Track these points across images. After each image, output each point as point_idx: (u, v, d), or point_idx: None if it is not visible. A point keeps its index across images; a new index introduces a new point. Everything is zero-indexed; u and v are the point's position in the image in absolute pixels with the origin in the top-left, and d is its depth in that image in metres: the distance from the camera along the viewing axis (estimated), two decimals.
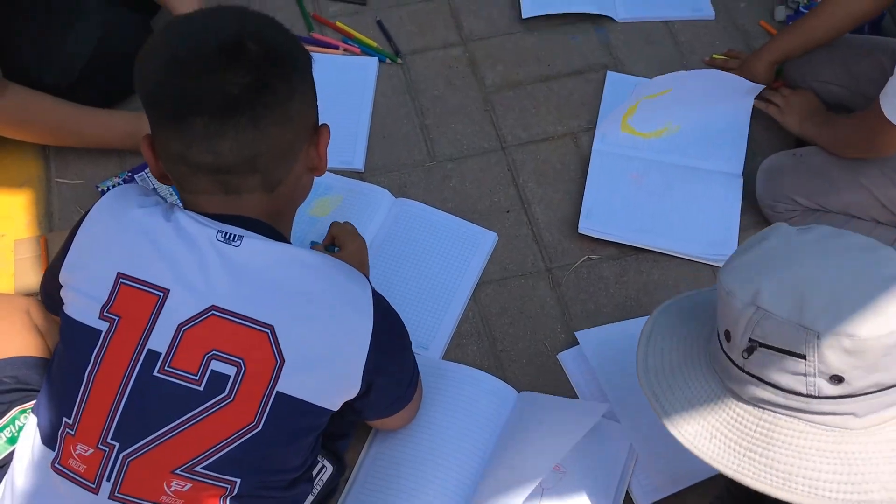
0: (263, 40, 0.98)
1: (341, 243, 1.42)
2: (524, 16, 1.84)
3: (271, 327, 0.97)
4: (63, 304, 1.02)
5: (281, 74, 0.98)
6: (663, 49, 1.88)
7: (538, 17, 1.91)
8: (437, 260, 1.57)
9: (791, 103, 1.66)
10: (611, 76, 1.83)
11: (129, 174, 1.64)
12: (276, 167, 1.02)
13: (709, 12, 1.93)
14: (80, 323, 0.98)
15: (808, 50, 1.67)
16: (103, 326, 0.97)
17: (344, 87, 1.79)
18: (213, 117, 0.96)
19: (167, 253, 0.98)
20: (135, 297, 0.97)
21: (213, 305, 0.97)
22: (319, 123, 1.09)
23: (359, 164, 1.70)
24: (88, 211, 1.04)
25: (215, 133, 0.96)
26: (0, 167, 1.68)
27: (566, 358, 1.47)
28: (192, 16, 1.03)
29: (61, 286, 1.02)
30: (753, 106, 1.71)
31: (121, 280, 0.98)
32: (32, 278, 1.54)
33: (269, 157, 1.00)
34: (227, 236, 0.99)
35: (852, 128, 1.50)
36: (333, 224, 1.45)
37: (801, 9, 1.90)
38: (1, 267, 1.56)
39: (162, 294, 0.97)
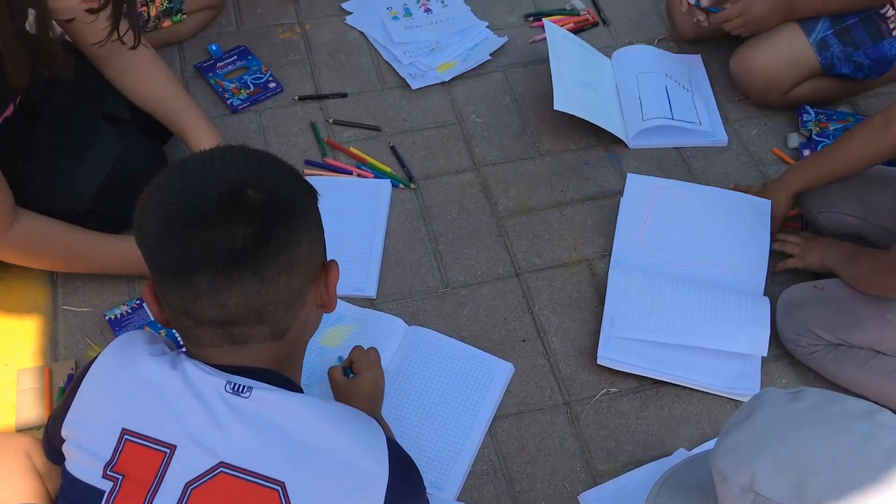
0: (265, 186, 0.96)
1: (358, 369, 1.38)
2: (556, 107, 1.83)
3: (282, 484, 0.92)
4: (65, 458, 0.97)
5: (284, 221, 0.96)
6: (676, 176, 1.87)
7: (551, 142, 1.92)
8: (452, 392, 1.52)
9: (810, 247, 1.65)
10: (631, 178, 1.81)
11: (138, 301, 1.62)
12: (285, 315, 0.99)
13: (721, 138, 1.94)
14: (82, 482, 0.93)
15: (829, 182, 1.66)
16: (107, 486, 0.92)
17: (357, 210, 1.78)
18: (216, 273, 0.92)
19: (174, 406, 0.94)
20: (140, 454, 0.92)
21: (221, 462, 0.92)
22: (328, 259, 1.06)
23: (371, 291, 1.67)
24: (94, 359, 1.01)
25: (220, 288, 0.93)
26: (6, 291, 1.66)
27: (588, 499, 1.41)
28: (192, 163, 1.00)
29: (64, 440, 0.98)
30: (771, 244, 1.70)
31: (125, 437, 0.93)
32: (34, 411, 1.49)
33: (276, 306, 0.97)
34: (236, 387, 0.95)
35: (875, 266, 1.47)
36: (356, 348, 1.41)
37: (814, 136, 1.91)
38: (3, 398, 1.52)
39: (168, 451, 0.92)
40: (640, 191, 1.78)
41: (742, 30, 1.91)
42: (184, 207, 0.95)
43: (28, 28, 1.31)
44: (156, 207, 0.97)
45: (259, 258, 0.93)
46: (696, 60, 2.07)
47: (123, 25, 1.44)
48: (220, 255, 0.92)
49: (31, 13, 1.29)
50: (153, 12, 1.95)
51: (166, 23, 1.99)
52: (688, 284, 1.62)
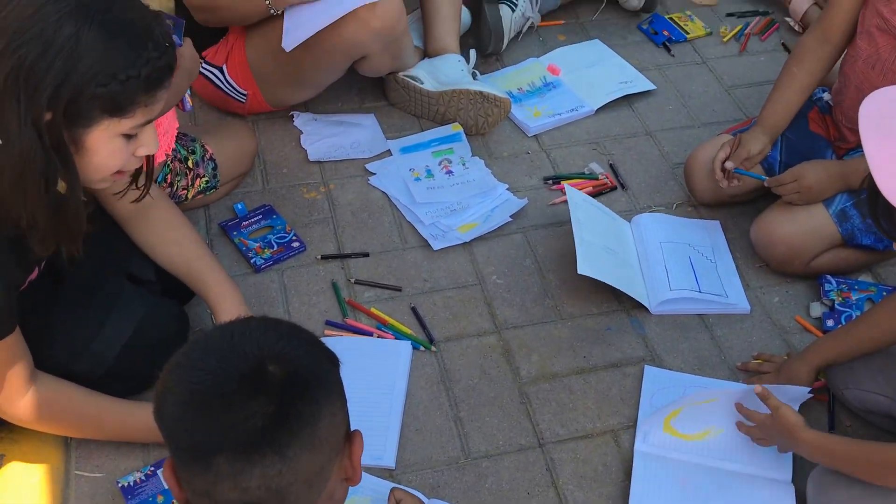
0: (285, 359, 0.95)
1: None
2: (580, 272, 1.82)
3: None
4: None
5: (305, 397, 0.94)
6: (700, 343, 1.86)
7: (573, 306, 1.92)
8: None
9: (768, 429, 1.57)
10: (648, 371, 1.80)
11: (152, 468, 1.58)
12: (308, 493, 0.96)
13: (744, 306, 1.93)
14: None
15: (854, 357, 1.65)
16: None
17: (377, 373, 1.76)
18: (237, 454, 0.91)
19: None
20: None
21: None
22: (351, 429, 1.04)
23: (390, 460, 1.63)
24: None
25: (241, 471, 0.91)
26: (18, 453, 1.62)
27: None
28: (213, 339, 0.99)
29: None
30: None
31: None
32: None
33: (299, 485, 0.94)
34: None
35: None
36: (395, 489, 1.38)
37: (837, 306, 1.90)
38: None
39: None
40: (659, 386, 1.76)
41: (796, 197, 1.90)
42: (204, 388, 0.94)
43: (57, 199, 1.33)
44: (176, 387, 0.96)
45: (280, 437, 0.91)
46: (715, 227, 2.09)
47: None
48: (240, 436, 0.91)
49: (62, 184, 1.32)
50: (192, 193, 1.99)
51: (199, 197, 2.03)
52: (714, 472, 1.59)
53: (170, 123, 1.87)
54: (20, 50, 1.21)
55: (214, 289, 1.69)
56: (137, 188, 1.49)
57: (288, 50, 2.03)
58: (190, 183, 1.99)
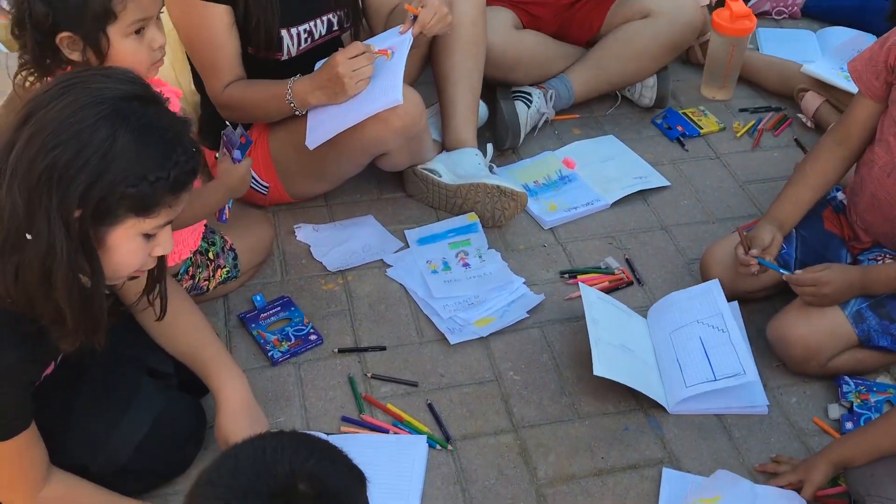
0: (315, 478, 0.96)
1: None
2: (595, 373, 1.82)
3: None
4: None
5: None
6: (718, 444, 1.85)
7: (590, 404, 1.91)
8: None
9: None
10: (667, 473, 1.78)
11: None
12: None
13: (762, 406, 1.92)
14: None
15: (872, 459, 1.63)
16: None
17: (392, 472, 1.75)
18: None
19: None
20: None
21: None
22: None
23: None
24: None
25: None
26: None
27: None
28: (244, 455, 0.99)
29: None
30: None
31: None
32: None
33: None
34: None
35: None
36: None
37: (855, 408, 1.89)
38: None
39: None
40: (678, 490, 1.75)
41: (811, 300, 1.91)
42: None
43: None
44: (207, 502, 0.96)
45: None
46: (714, 287, 2.04)
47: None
48: None
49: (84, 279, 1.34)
50: (213, 285, 2.02)
51: (219, 288, 2.06)
52: None
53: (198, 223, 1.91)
54: (56, 150, 1.25)
55: (218, 376, 1.70)
56: (150, 303, 1.52)
57: (311, 148, 2.07)
58: (211, 274, 2.02)
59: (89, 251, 1.31)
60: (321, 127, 2.07)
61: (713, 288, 2.05)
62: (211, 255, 2.02)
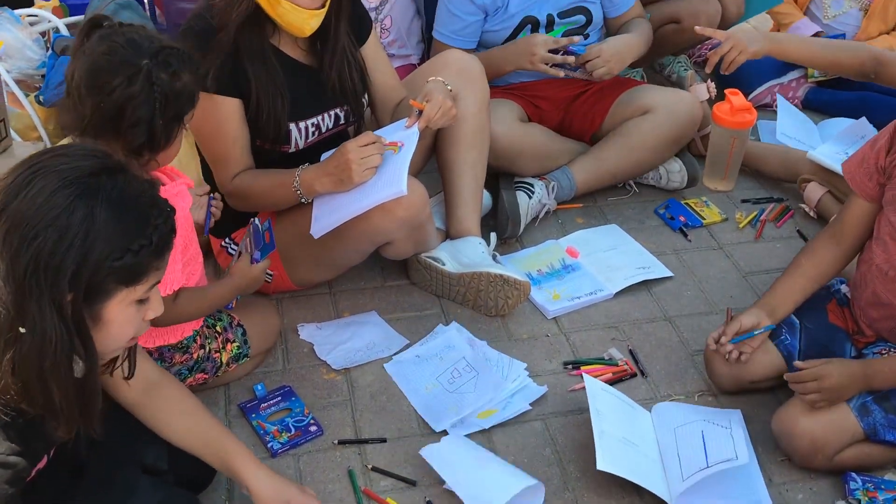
0: None
1: None
2: (599, 468, 1.80)
3: None
4: None
5: None
6: None
7: (593, 500, 1.88)
8: None
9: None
10: None
11: None
12: None
13: (766, 503, 1.88)
14: None
15: None
16: None
17: None
18: None
19: None
20: None
21: None
22: None
23: None
24: None
25: None
26: None
27: None
28: None
29: None
30: None
31: None
32: None
33: None
34: None
35: None
36: None
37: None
38: None
39: None
40: None
41: (816, 398, 1.87)
42: None
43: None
44: None
45: None
46: (736, 416, 2.05)
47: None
48: None
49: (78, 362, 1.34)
50: (225, 357, 2.02)
51: (233, 367, 2.05)
52: None
53: None
54: (37, 239, 1.25)
55: (239, 456, 1.67)
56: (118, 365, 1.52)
57: (316, 237, 2.09)
58: (221, 346, 2.01)
59: (84, 333, 1.32)
60: (326, 216, 2.09)
61: (733, 415, 2.03)
62: (219, 328, 2.02)
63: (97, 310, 1.33)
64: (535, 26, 2.69)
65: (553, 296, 2.42)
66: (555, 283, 2.47)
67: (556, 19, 2.71)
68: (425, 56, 2.97)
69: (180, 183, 1.77)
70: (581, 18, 2.73)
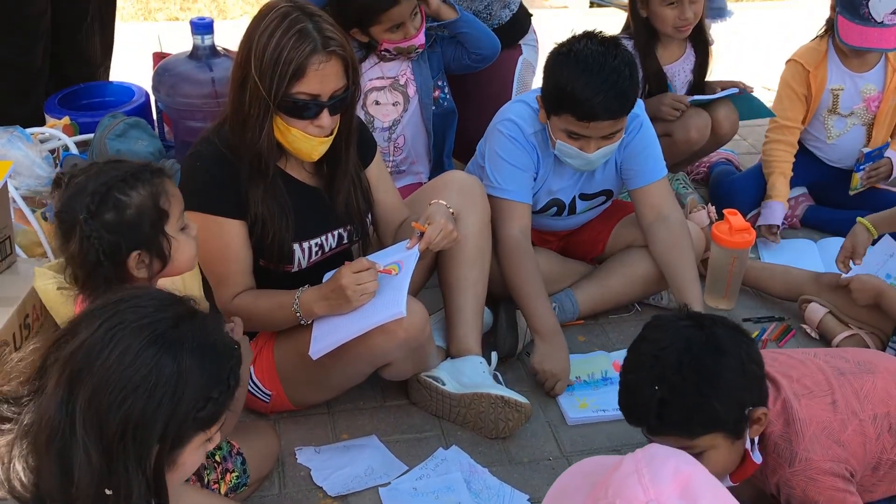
0: None
1: None
2: None
3: None
4: None
5: None
6: None
7: None
8: None
9: None
10: None
11: None
12: None
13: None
14: None
15: None
16: None
17: None
18: None
19: None
20: None
21: None
22: None
23: None
24: None
25: None
26: None
27: None
28: None
29: None
30: None
31: None
32: None
33: None
34: None
35: None
36: None
37: None
38: None
39: None
40: None
41: None
42: None
43: None
44: None
45: None
46: None
47: None
48: None
49: None
50: (223, 489, 1.98)
51: (230, 496, 2.01)
52: None
53: None
54: (126, 402, 1.24)
55: None
56: None
57: (315, 358, 2.08)
58: (220, 477, 1.97)
59: (160, 482, 1.29)
60: (325, 338, 2.09)
61: None
62: (218, 458, 1.98)
63: (175, 456, 1.31)
64: (561, 209, 2.72)
65: (581, 404, 2.42)
66: (588, 392, 2.47)
67: (579, 201, 2.73)
68: (433, 174, 3.03)
69: None
70: (602, 198, 2.77)
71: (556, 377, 2.43)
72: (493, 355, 2.47)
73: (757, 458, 1.77)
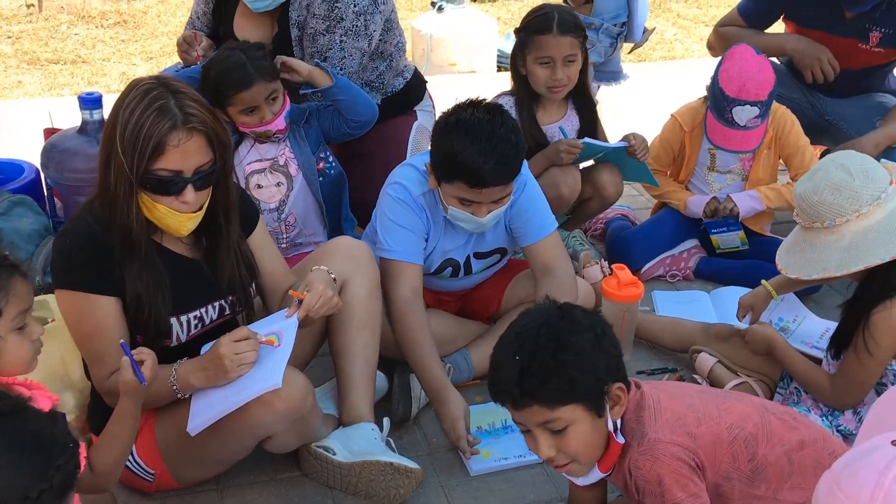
0: None
1: None
2: None
3: None
4: None
5: None
6: None
7: None
8: None
9: None
10: None
11: None
12: None
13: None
14: None
15: None
16: None
17: None
18: None
19: None
20: None
21: None
22: None
23: None
24: None
25: None
26: None
27: None
28: None
29: None
30: None
31: None
32: None
33: None
34: None
35: None
36: None
37: None
38: None
39: None
40: None
41: None
42: None
43: None
44: None
45: None
46: None
47: None
48: None
49: None
50: None
51: None
52: None
53: None
54: None
55: None
56: None
57: (193, 434, 2.04)
58: None
59: None
60: (203, 412, 2.05)
61: None
62: None
63: None
64: (456, 269, 2.75)
65: (483, 454, 2.42)
66: (490, 441, 2.48)
67: (474, 260, 2.76)
68: (331, 236, 3.02)
69: (40, 395, 1.72)
70: (497, 256, 2.80)
71: (460, 427, 2.41)
72: (386, 421, 2.45)
73: (620, 438, 1.83)
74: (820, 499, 1.33)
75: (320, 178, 3.00)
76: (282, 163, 2.95)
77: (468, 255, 2.73)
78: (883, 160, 2.38)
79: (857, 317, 2.32)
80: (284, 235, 2.99)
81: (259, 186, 2.92)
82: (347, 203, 3.15)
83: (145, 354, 1.88)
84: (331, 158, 3.05)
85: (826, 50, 3.40)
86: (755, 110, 3.08)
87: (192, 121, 1.99)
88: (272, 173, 2.94)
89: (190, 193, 2.03)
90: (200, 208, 2.10)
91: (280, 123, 2.85)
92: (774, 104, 3.21)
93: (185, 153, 2.00)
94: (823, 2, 3.35)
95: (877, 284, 2.26)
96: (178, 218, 2.06)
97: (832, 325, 2.53)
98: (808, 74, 3.46)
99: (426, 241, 2.63)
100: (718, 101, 3.14)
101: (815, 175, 2.29)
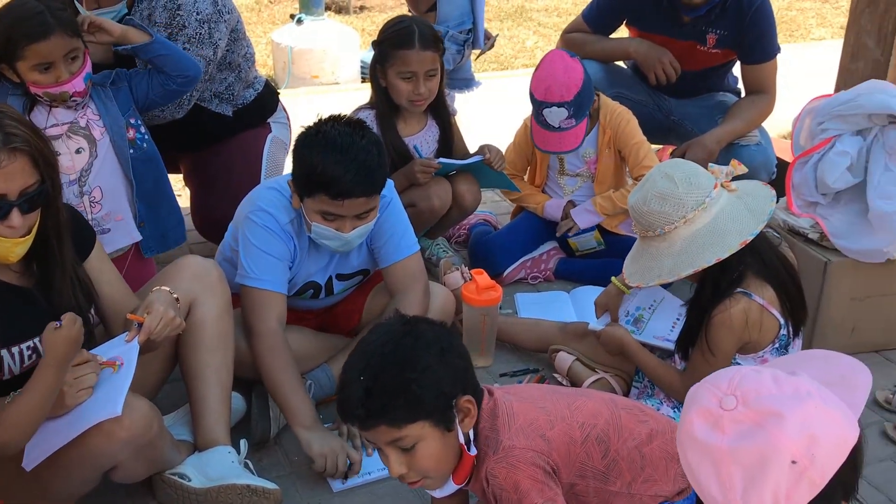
0: None
1: None
2: None
3: None
4: None
5: None
6: None
7: None
8: None
9: None
10: None
11: None
12: None
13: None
14: None
15: None
16: None
17: None
18: None
19: None
20: None
21: None
22: None
23: None
24: None
25: None
26: None
27: None
28: None
29: None
30: None
31: None
32: None
33: None
34: None
35: None
36: None
37: None
38: None
39: None
40: None
41: None
42: None
43: None
44: None
45: None
46: None
47: None
48: None
49: None
50: None
51: None
52: None
53: None
54: None
55: None
56: None
57: (28, 469, 1.93)
58: None
59: None
60: (39, 445, 1.94)
61: None
62: None
63: None
64: (317, 291, 2.70)
65: None
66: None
67: (336, 282, 2.71)
68: (150, 233, 2.89)
69: None
70: (360, 277, 2.77)
71: (335, 454, 2.36)
72: (243, 443, 2.39)
73: (473, 450, 1.82)
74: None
75: (130, 151, 2.75)
76: (83, 124, 2.67)
77: (330, 277, 2.69)
78: (711, 165, 2.46)
79: (700, 318, 2.40)
80: (91, 217, 2.70)
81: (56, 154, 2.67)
82: (171, 193, 2.97)
83: None
84: (143, 129, 2.81)
85: (667, 52, 3.53)
86: (563, 111, 3.14)
87: (14, 141, 1.89)
88: (70, 137, 2.65)
89: (16, 217, 1.93)
90: (29, 232, 1.99)
91: (79, 85, 2.57)
92: (611, 103, 3.31)
93: (9, 175, 1.90)
94: (662, 7, 3.47)
95: (708, 287, 2.35)
96: (5, 244, 1.95)
97: (684, 310, 2.59)
98: (652, 76, 3.57)
99: (290, 268, 2.57)
100: (532, 104, 3.23)
101: (644, 185, 2.36)
